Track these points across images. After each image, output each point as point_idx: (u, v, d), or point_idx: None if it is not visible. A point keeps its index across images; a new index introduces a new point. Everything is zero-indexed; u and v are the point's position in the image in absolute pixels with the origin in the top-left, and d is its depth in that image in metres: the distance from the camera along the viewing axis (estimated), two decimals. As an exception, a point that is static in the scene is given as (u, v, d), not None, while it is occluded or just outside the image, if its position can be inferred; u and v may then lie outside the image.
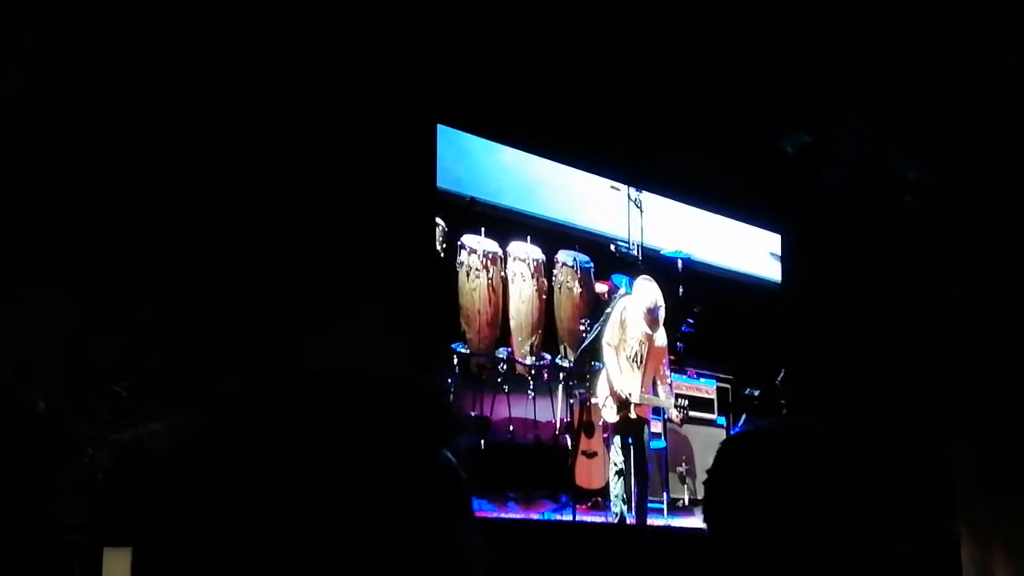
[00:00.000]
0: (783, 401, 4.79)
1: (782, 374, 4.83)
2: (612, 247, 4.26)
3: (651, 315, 4.28)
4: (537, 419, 3.90)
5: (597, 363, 4.12)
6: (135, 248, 3.17)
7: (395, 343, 3.54)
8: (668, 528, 4.27)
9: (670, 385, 4.37)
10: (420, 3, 3.78)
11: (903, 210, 4.80)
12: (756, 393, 4.76)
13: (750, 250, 4.91)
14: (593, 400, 4.08)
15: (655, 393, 4.29)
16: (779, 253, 4.99)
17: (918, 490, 4.57)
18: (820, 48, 4.36)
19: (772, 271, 4.96)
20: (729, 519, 1.47)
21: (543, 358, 3.96)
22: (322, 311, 3.47)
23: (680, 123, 4.46)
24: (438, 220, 3.71)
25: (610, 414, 4.12)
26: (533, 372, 3.92)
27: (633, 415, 4.17)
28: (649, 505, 4.22)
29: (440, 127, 3.78)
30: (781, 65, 4.43)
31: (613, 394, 4.13)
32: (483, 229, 3.84)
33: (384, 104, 3.69)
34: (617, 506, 4.09)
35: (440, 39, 3.80)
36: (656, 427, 4.31)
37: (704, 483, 1.52)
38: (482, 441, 3.71)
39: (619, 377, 4.15)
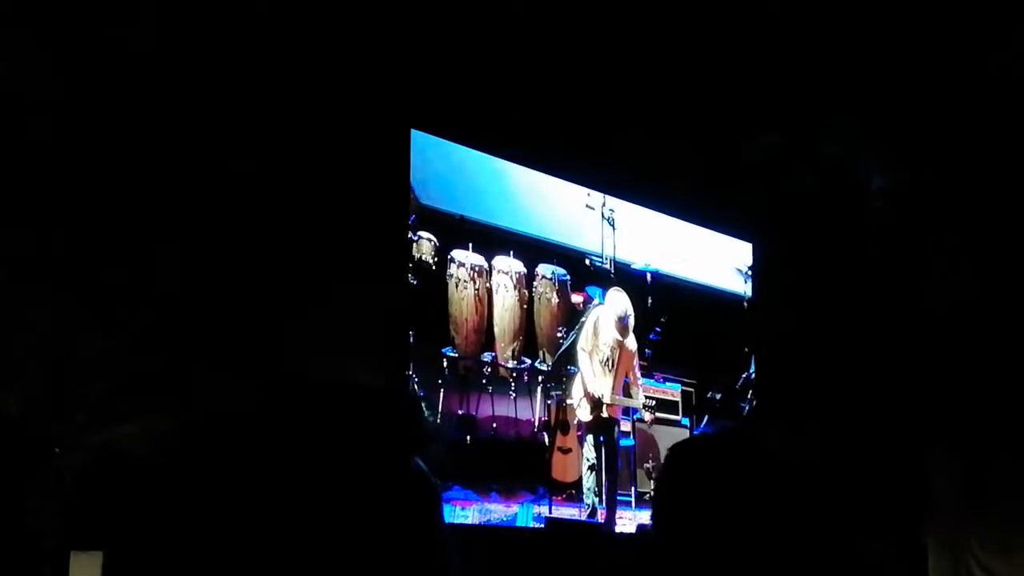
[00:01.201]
0: (743, 404, 5.17)
1: (742, 379, 5.21)
2: (587, 261, 4.60)
3: (622, 323, 4.64)
4: (518, 417, 4.24)
5: (572, 367, 4.47)
6: (118, 250, 3.16)
7: (373, 346, 3.66)
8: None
9: (640, 387, 4.74)
10: (396, 10, 3.85)
11: (874, 216, 4.82)
12: (718, 396, 5.13)
13: (715, 264, 5.25)
14: (569, 401, 4.43)
15: (626, 395, 4.66)
16: (743, 268, 5.35)
17: (880, 497, 4.54)
18: (793, 51, 4.41)
19: (735, 284, 5.33)
20: (676, 521, 1.51)
21: (524, 362, 4.31)
22: (305, 315, 3.51)
23: (654, 131, 4.64)
24: (430, 235, 4.06)
25: (584, 414, 4.48)
26: (515, 374, 4.27)
27: (605, 415, 4.52)
28: (618, 498, 4.57)
29: (417, 133, 3.99)
30: (755, 70, 4.52)
31: (587, 395, 4.48)
32: (471, 244, 4.18)
33: (363, 110, 3.77)
34: (589, 498, 4.44)
35: (419, 47, 3.90)
36: (625, 426, 4.67)
37: (653, 488, 1.68)
38: (468, 437, 4.06)
39: (592, 380, 4.51)
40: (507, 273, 4.31)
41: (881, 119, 4.65)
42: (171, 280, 3.27)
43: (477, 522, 4.00)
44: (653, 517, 1.56)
